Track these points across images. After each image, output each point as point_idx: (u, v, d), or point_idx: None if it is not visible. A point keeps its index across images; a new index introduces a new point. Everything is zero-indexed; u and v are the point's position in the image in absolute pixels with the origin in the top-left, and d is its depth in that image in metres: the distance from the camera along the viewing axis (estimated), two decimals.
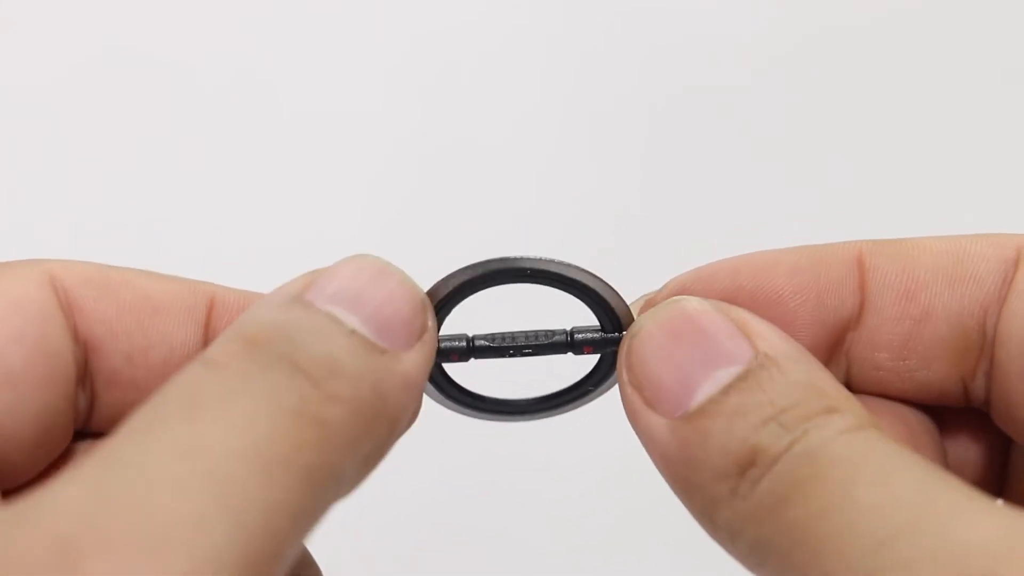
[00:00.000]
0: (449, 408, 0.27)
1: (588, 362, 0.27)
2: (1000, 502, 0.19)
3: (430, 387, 0.26)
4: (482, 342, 0.26)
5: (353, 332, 0.22)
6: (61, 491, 0.18)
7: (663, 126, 0.61)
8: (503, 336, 0.26)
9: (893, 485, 0.19)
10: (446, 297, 0.25)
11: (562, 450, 0.54)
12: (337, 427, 0.20)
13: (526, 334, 0.26)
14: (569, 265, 0.25)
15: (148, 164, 0.60)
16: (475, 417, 0.27)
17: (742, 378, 0.22)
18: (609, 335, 0.26)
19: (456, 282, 0.25)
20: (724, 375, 0.22)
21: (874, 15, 0.62)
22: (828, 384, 0.22)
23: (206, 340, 0.25)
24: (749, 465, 0.21)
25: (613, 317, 0.26)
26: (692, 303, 0.24)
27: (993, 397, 0.26)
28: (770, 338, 0.23)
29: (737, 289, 0.25)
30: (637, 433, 0.24)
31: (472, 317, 0.27)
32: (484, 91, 0.62)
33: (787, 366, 0.23)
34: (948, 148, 0.60)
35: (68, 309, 0.24)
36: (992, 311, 0.25)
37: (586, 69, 0.63)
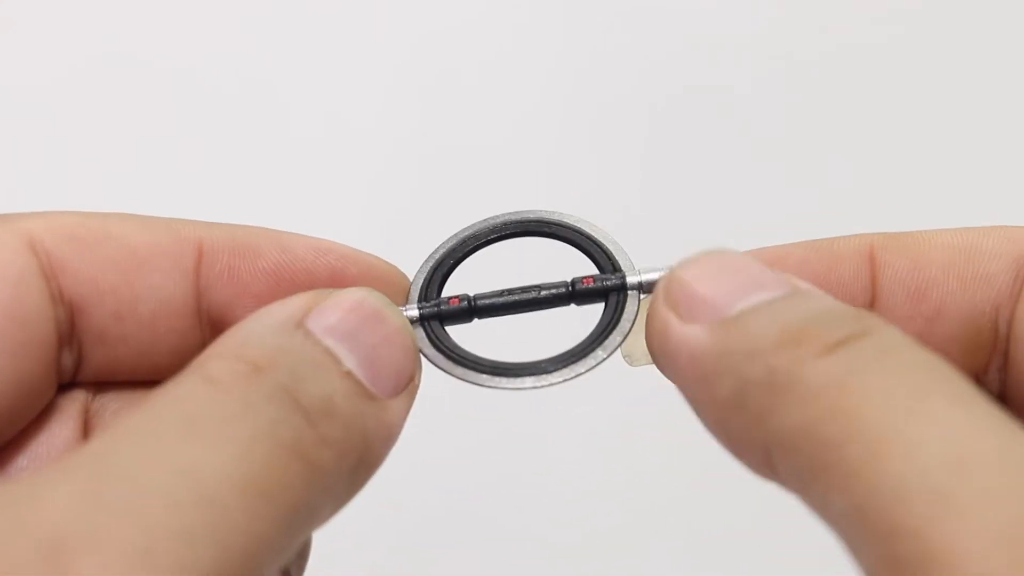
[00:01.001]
0: (454, 375, 0.26)
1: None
2: None
3: (438, 356, 0.25)
4: (483, 301, 0.26)
5: (349, 374, 0.22)
6: (53, 489, 0.17)
7: (663, 126, 0.61)
8: (502, 292, 0.26)
9: (972, 410, 0.18)
10: (446, 257, 0.26)
11: (562, 452, 0.54)
12: (324, 469, 0.20)
13: (524, 288, 0.26)
14: (564, 215, 0.26)
15: (148, 164, 0.60)
16: (483, 384, 0.26)
17: (784, 296, 0.22)
18: (609, 275, 0.26)
19: (453, 243, 0.25)
20: (764, 295, 0.22)
21: (878, 14, 0.62)
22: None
23: (196, 290, 0.25)
24: (794, 345, 0.20)
25: (612, 261, 0.26)
26: (731, 249, 0.24)
27: (1009, 393, 0.25)
28: (807, 284, 0.23)
29: None
30: (664, 351, 0.23)
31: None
32: (484, 91, 0.62)
33: (827, 296, 0.22)
34: (952, 141, 0.60)
35: (50, 271, 0.24)
36: (1004, 308, 0.25)
37: (586, 69, 0.63)
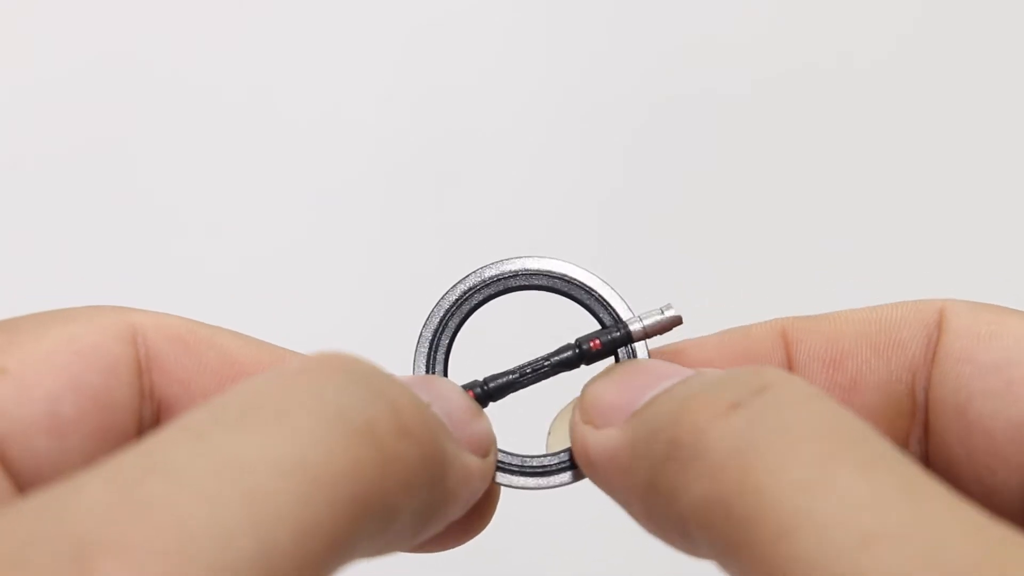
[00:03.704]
0: (534, 487, 0.26)
1: None
2: (985, 514, 0.18)
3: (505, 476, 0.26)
4: (495, 383, 0.26)
5: (431, 405, 0.22)
6: (84, 487, 0.17)
7: (656, 131, 0.62)
8: (512, 371, 0.26)
9: (880, 475, 0.18)
10: (437, 337, 0.26)
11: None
12: (400, 462, 0.19)
13: (533, 362, 0.26)
14: (549, 262, 0.26)
15: (147, 164, 0.60)
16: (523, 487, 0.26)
17: (685, 379, 0.23)
18: (612, 330, 0.26)
19: (453, 298, 0.26)
20: (669, 383, 0.23)
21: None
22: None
23: None
24: (692, 413, 0.20)
25: (612, 313, 0.26)
26: (635, 359, 0.25)
27: (932, 462, 0.25)
28: (713, 369, 0.24)
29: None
30: (589, 464, 0.23)
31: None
32: (479, 92, 0.62)
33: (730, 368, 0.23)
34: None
35: (146, 365, 0.24)
36: (920, 375, 0.25)
37: (578, 77, 0.63)
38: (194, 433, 0.18)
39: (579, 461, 0.24)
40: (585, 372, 0.26)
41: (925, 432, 0.26)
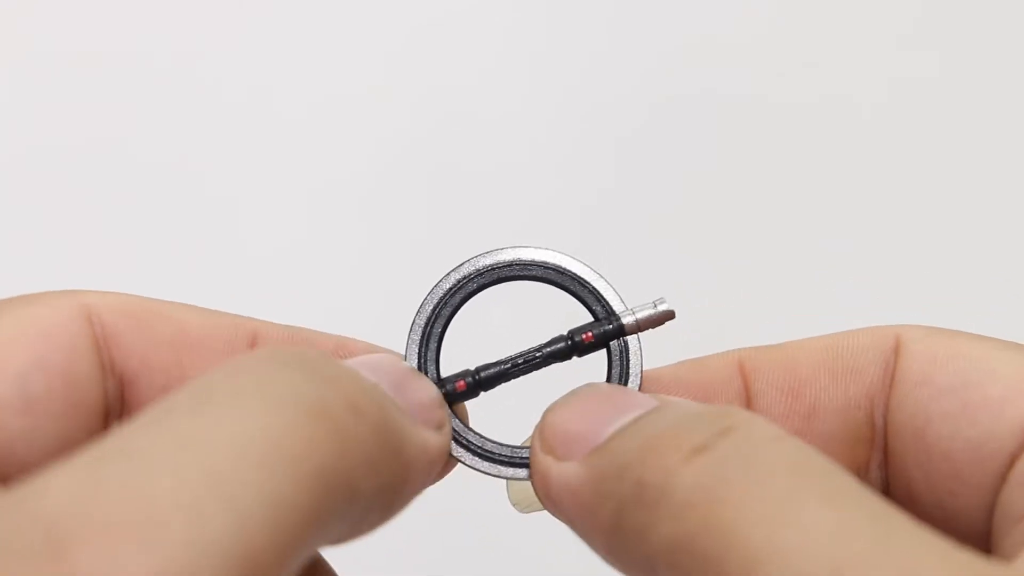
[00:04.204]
0: (488, 472, 0.26)
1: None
2: (950, 542, 0.18)
3: (468, 456, 0.26)
4: (486, 373, 0.26)
5: (377, 384, 0.22)
6: (54, 475, 0.17)
7: (654, 131, 0.61)
8: (503, 361, 0.26)
9: (844, 507, 0.18)
10: (427, 327, 0.25)
11: None
12: (357, 439, 0.20)
13: (525, 353, 0.26)
14: (541, 252, 0.26)
15: (145, 160, 0.60)
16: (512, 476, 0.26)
17: (650, 411, 0.22)
18: (605, 322, 0.26)
19: (447, 287, 0.25)
20: (631, 415, 0.22)
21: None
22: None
23: None
24: (659, 454, 0.20)
25: (605, 306, 0.26)
26: (598, 384, 0.25)
27: (892, 488, 0.25)
28: (676, 398, 0.24)
29: None
30: (550, 497, 0.23)
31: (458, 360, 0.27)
32: (479, 91, 0.62)
33: (694, 403, 0.23)
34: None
35: (104, 342, 0.24)
36: (879, 401, 0.25)
37: (577, 73, 0.63)
38: (152, 420, 0.18)
39: (538, 493, 0.24)
40: (576, 363, 0.27)
41: (885, 458, 0.25)
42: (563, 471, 0.23)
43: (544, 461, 0.23)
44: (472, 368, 0.26)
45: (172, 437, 0.18)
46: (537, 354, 0.26)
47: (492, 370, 0.26)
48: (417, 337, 0.26)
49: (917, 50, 0.62)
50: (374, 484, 0.20)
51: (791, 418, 0.26)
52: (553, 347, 0.26)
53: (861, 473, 0.26)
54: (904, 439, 0.24)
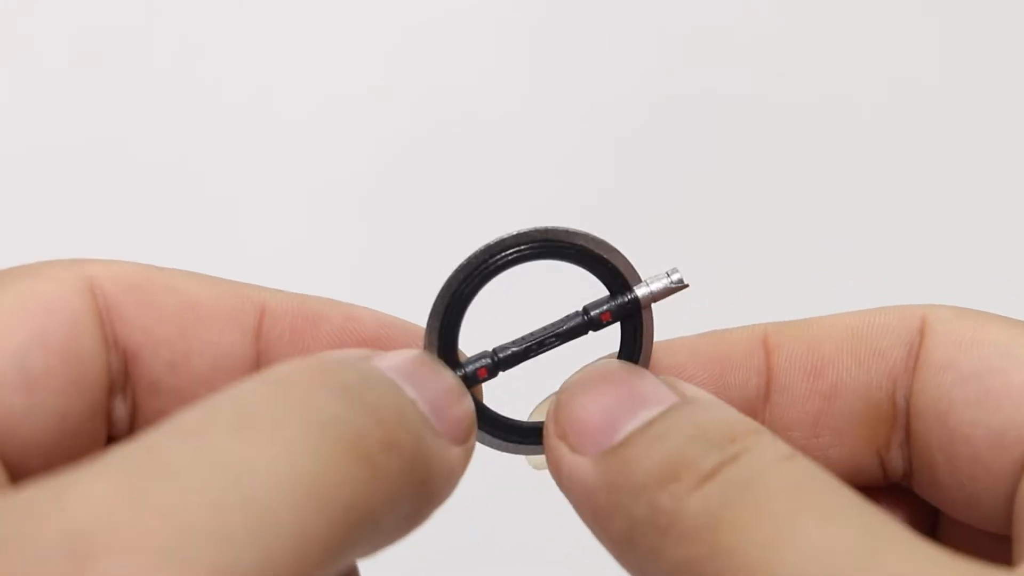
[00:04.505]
0: (505, 449, 0.26)
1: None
2: (945, 552, 0.19)
3: (486, 436, 0.26)
4: (505, 352, 0.25)
5: (414, 402, 0.22)
6: (83, 482, 0.17)
7: (654, 131, 0.61)
8: (523, 339, 0.26)
9: (840, 523, 0.19)
10: (448, 312, 0.25)
11: None
12: (388, 476, 0.20)
13: (543, 329, 0.26)
14: (569, 231, 0.25)
15: (145, 160, 0.59)
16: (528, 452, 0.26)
17: (666, 412, 0.22)
18: (621, 298, 0.26)
19: (462, 275, 0.25)
20: (647, 414, 0.22)
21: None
22: (752, 421, 0.22)
23: (257, 349, 0.25)
24: (672, 479, 0.21)
25: (619, 278, 0.26)
26: (614, 362, 0.25)
27: (915, 470, 0.25)
28: (692, 388, 0.23)
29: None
30: (561, 483, 0.23)
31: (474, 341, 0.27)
32: (478, 90, 0.62)
33: (711, 403, 0.23)
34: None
35: (107, 315, 0.24)
36: (901, 383, 0.25)
37: (577, 73, 0.63)
38: (192, 434, 0.18)
39: (552, 475, 0.24)
40: (593, 338, 0.26)
41: (908, 438, 0.25)
42: (577, 465, 0.23)
43: (558, 447, 0.23)
44: (490, 350, 0.26)
45: (211, 459, 0.17)
46: (555, 333, 0.26)
47: (510, 351, 0.25)
48: (436, 324, 0.25)
49: (917, 55, 0.62)
50: (399, 514, 0.20)
51: (812, 397, 0.25)
52: (570, 325, 0.26)
53: (882, 453, 0.26)
54: (927, 422, 0.24)
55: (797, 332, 0.26)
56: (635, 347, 0.26)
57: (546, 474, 0.24)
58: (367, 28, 0.63)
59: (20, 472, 0.22)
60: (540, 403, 0.26)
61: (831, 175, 0.61)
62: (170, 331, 0.24)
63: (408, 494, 0.20)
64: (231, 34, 0.63)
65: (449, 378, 0.24)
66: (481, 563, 0.54)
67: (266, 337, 0.25)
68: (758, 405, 0.26)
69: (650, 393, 0.23)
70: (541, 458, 0.25)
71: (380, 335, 0.25)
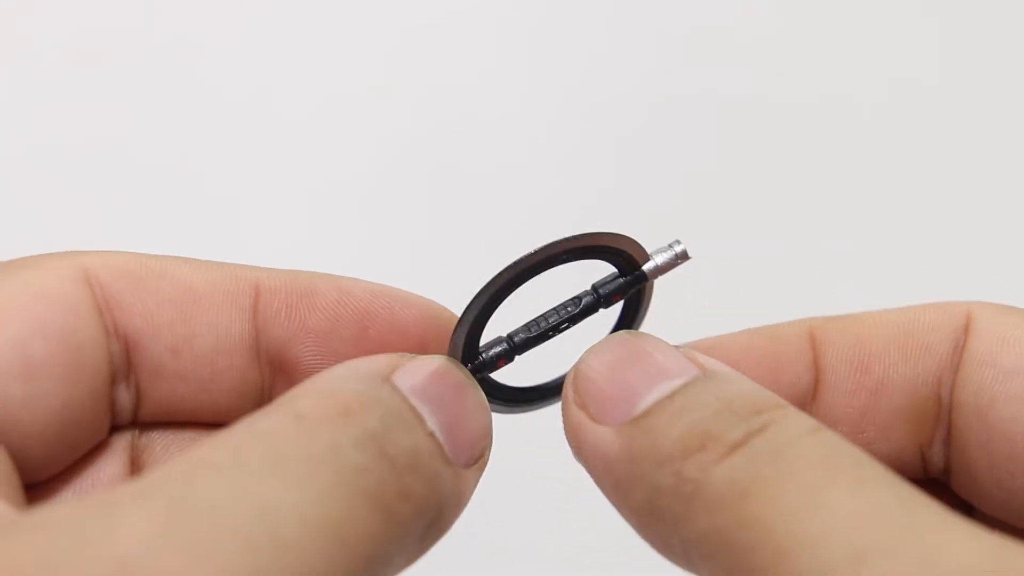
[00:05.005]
0: (511, 412, 0.27)
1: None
2: (978, 526, 0.18)
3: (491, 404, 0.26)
4: (520, 336, 0.26)
5: (432, 435, 0.22)
6: (126, 516, 0.17)
7: (655, 131, 0.61)
8: (536, 323, 0.26)
9: (871, 495, 0.19)
10: (476, 320, 0.25)
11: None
12: (402, 523, 0.20)
13: (555, 311, 0.26)
14: (573, 236, 0.25)
15: (144, 161, 0.59)
16: (533, 409, 0.27)
17: (688, 384, 0.22)
18: (629, 275, 0.26)
19: (481, 303, 0.25)
20: (669, 385, 0.22)
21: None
22: (775, 395, 0.22)
23: (255, 326, 0.25)
24: (698, 449, 0.21)
25: (628, 259, 0.26)
26: (632, 333, 0.25)
27: (953, 466, 0.26)
28: (711, 360, 0.23)
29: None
30: (581, 452, 0.23)
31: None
32: (477, 90, 0.62)
33: (732, 376, 0.23)
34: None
35: (105, 304, 0.24)
36: (946, 379, 0.25)
37: (577, 73, 0.63)
38: (227, 473, 0.18)
39: (569, 443, 0.24)
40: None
41: (948, 435, 0.25)
42: (597, 435, 0.23)
43: (577, 416, 0.23)
44: (505, 335, 0.26)
45: (245, 499, 0.18)
46: (568, 313, 0.26)
47: (525, 335, 0.26)
48: (464, 332, 0.26)
49: (925, 49, 0.62)
50: (410, 549, 0.21)
51: (859, 393, 0.26)
52: (583, 305, 0.26)
53: (924, 449, 0.26)
54: (967, 418, 0.25)
55: (844, 327, 0.26)
56: (636, 318, 0.27)
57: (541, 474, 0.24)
58: (367, 28, 0.63)
59: (23, 460, 0.22)
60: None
61: (831, 175, 0.61)
62: (170, 316, 0.24)
63: (417, 535, 0.21)
64: (231, 34, 0.63)
65: (470, 398, 0.24)
66: (482, 564, 0.54)
67: (263, 314, 0.25)
68: (807, 401, 0.26)
69: (671, 364, 0.23)
70: None
71: (373, 305, 0.25)
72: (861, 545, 0.18)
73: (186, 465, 0.18)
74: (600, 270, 0.27)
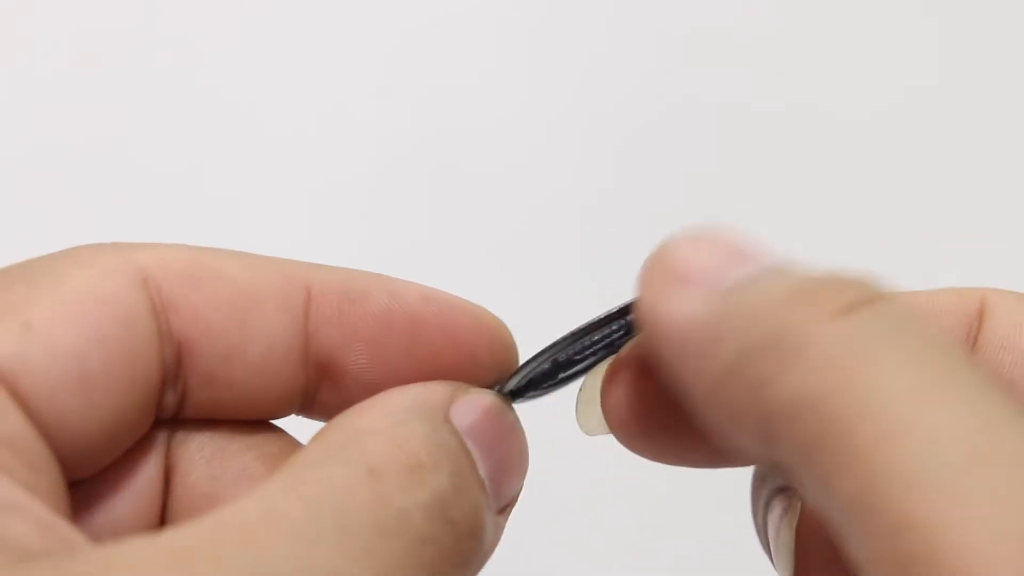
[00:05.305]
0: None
1: None
2: None
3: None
4: (562, 355, 0.25)
5: (483, 484, 0.22)
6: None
7: (655, 131, 0.61)
8: (572, 335, 0.24)
9: (992, 402, 0.17)
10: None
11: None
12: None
13: (588, 324, 0.24)
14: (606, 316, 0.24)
15: (145, 162, 0.59)
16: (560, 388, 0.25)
17: (782, 264, 0.20)
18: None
19: (575, 343, 0.24)
20: (764, 262, 0.20)
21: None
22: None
23: (304, 333, 0.24)
24: (806, 304, 0.18)
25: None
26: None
27: None
28: None
29: None
30: (657, 325, 0.20)
31: None
32: (477, 91, 0.62)
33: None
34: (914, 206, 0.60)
35: (161, 308, 0.23)
36: None
37: (577, 74, 0.63)
38: (301, 542, 0.18)
39: (644, 323, 0.21)
40: None
41: None
42: (677, 304, 0.20)
43: (657, 290, 0.20)
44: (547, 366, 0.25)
45: (314, 572, 0.18)
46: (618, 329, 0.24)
47: (568, 355, 0.24)
48: (531, 368, 0.25)
49: (930, 46, 0.62)
50: None
51: None
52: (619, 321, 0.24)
53: None
54: None
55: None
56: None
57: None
58: (367, 29, 0.63)
59: (73, 469, 0.22)
60: (589, 375, 0.25)
61: (831, 174, 0.61)
62: (226, 322, 0.23)
63: None
64: (231, 35, 0.63)
65: (518, 441, 0.23)
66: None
67: (314, 320, 0.24)
68: None
69: (765, 250, 0.20)
70: (595, 421, 0.25)
71: (426, 312, 0.25)
72: (979, 448, 0.16)
73: (258, 516, 0.18)
74: None
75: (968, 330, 0.25)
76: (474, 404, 0.22)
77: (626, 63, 0.63)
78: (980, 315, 0.25)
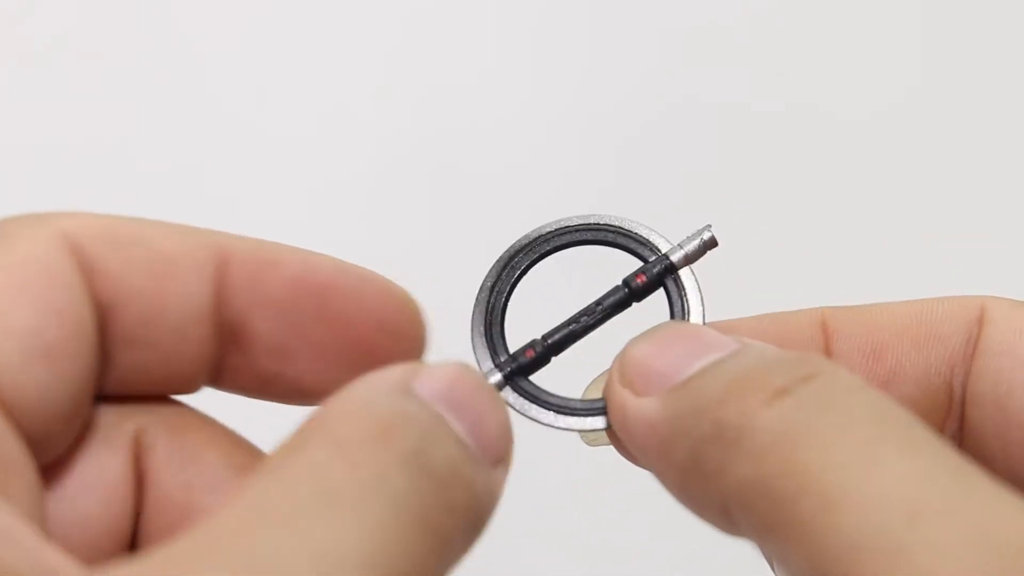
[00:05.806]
0: (549, 425, 0.26)
1: None
2: None
3: (529, 407, 0.26)
4: (553, 338, 0.26)
5: (460, 440, 0.22)
6: (198, 570, 0.17)
7: (655, 131, 0.61)
8: (568, 323, 0.26)
9: (924, 458, 0.18)
10: (490, 309, 0.25)
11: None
12: (449, 538, 0.20)
13: (587, 310, 0.26)
14: (576, 218, 0.26)
15: (144, 163, 0.59)
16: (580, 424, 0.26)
17: (732, 353, 0.22)
18: (654, 262, 0.26)
19: (490, 282, 0.25)
20: (713, 356, 0.22)
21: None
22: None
23: (217, 297, 0.24)
24: (741, 396, 0.20)
25: (651, 246, 0.26)
26: (675, 321, 0.25)
27: (968, 456, 0.26)
28: (756, 341, 0.23)
29: None
30: (626, 427, 0.23)
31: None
32: (477, 91, 0.62)
33: (776, 348, 0.23)
34: (914, 215, 0.60)
35: (88, 272, 0.23)
36: (959, 370, 0.25)
37: (577, 73, 0.63)
38: (283, 522, 0.18)
39: (615, 424, 0.24)
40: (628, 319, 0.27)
41: (960, 427, 0.26)
42: (641, 406, 0.23)
43: (621, 394, 0.23)
44: (539, 338, 0.26)
45: (306, 548, 0.18)
46: (597, 308, 0.26)
47: (559, 335, 0.26)
48: (481, 329, 0.26)
49: (930, 43, 0.62)
50: (455, 558, 0.21)
51: (871, 382, 0.25)
52: (613, 298, 0.26)
53: None
54: (984, 408, 0.25)
55: (856, 316, 0.26)
56: (682, 310, 0.26)
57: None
58: (368, 28, 0.63)
59: (40, 445, 0.22)
60: (594, 379, 0.26)
61: (831, 174, 0.61)
62: (145, 283, 0.23)
63: (463, 545, 0.21)
64: (231, 35, 0.63)
65: (488, 397, 0.23)
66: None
67: (229, 285, 0.24)
68: None
69: (715, 341, 0.23)
70: (596, 433, 0.26)
71: (338, 280, 0.25)
72: (914, 506, 0.17)
73: (245, 513, 0.19)
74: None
75: (968, 336, 0.25)
76: (436, 373, 0.22)
77: (626, 63, 0.63)
78: (980, 322, 0.25)
